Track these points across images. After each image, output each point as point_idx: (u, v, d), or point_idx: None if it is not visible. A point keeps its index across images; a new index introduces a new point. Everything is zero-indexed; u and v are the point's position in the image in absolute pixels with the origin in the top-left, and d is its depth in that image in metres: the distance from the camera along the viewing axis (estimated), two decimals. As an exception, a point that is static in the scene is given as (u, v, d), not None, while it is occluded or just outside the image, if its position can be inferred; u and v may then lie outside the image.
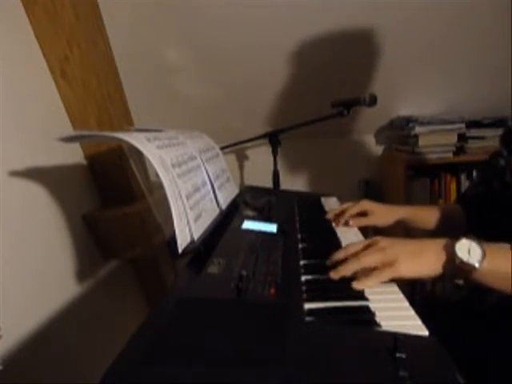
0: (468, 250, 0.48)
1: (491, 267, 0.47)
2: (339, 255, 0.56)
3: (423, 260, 0.51)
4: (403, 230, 0.86)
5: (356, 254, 0.54)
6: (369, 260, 0.52)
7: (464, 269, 0.48)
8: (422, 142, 1.47)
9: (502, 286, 0.48)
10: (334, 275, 0.53)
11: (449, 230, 0.84)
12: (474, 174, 1.55)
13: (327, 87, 1.40)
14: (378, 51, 1.29)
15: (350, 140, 1.76)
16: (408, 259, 0.51)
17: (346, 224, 0.81)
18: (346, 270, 0.53)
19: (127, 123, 1.09)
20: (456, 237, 0.50)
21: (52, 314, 0.82)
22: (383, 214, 0.83)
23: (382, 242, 0.54)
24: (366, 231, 0.82)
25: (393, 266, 0.50)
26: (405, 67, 1.37)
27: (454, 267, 0.49)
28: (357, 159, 1.78)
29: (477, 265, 0.47)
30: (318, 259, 0.61)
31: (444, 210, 0.84)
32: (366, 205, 0.83)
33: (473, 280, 0.49)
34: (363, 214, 0.83)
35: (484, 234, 0.76)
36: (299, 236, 0.73)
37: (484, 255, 0.47)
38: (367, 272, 0.52)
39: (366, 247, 0.55)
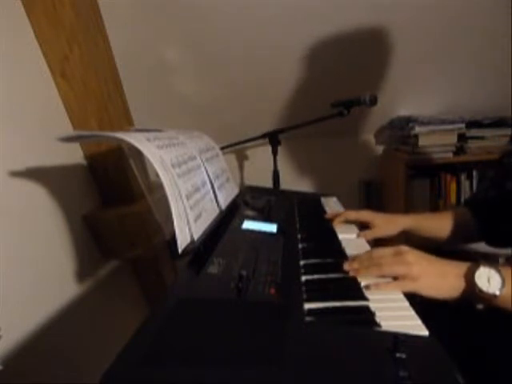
0: (487, 279, 0.48)
1: (511, 293, 0.48)
2: (363, 262, 0.56)
3: (444, 283, 0.51)
4: (404, 234, 0.85)
5: (379, 261, 0.54)
6: (392, 271, 0.53)
7: (484, 297, 0.48)
8: (422, 141, 1.47)
9: None
10: (353, 273, 0.55)
11: (458, 238, 0.82)
12: (475, 173, 1.55)
13: (327, 87, 1.40)
14: (377, 52, 1.29)
15: (350, 140, 1.76)
16: (430, 279, 0.51)
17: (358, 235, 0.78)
18: (366, 273, 0.54)
19: (127, 123, 1.09)
20: (477, 263, 0.50)
21: (52, 314, 0.82)
22: (386, 226, 0.80)
23: (409, 255, 0.53)
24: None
25: (415, 281, 0.51)
26: (405, 67, 1.37)
27: (474, 295, 0.49)
28: (357, 159, 1.78)
29: (497, 293, 0.47)
30: (318, 259, 0.61)
31: (452, 217, 0.81)
32: (365, 215, 0.81)
33: (493, 306, 0.49)
34: (364, 223, 0.81)
35: (496, 240, 0.76)
36: (299, 236, 0.73)
37: (503, 283, 0.48)
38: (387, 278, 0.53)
39: (392, 256, 0.55)
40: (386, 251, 0.56)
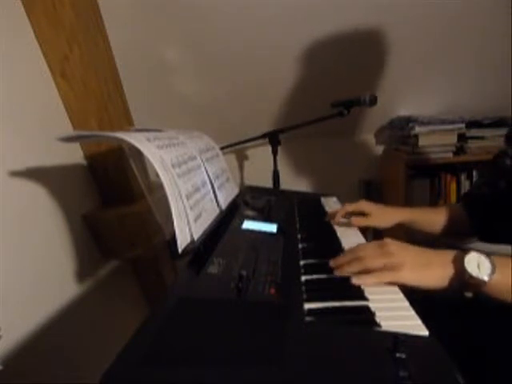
0: (477, 265, 0.48)
1: (501, 280, 0.47)
2: (345, 257, 0.57)
3: (430, 272, 0.51)
4: (403, 229, 0.86)
5: (361, 255, 0.54)
6: (372, 263, 0.53)
7: (474, 283, 0.47)
8: (422, 142, 1.47)
9: None
10: (337, 273, 0.55)
11: (452, 232, 0.83)
12: (475, 173, 1.55)
13: (327, 87, 1.40)
14: (377, 52, 1.29)
15: (350, 140, 1.76)
16: (414, 269, 0.51)
17: (344, 217, 0.81)
18: (348, 269, 0.54)
19: (127, 123, 1.09)
20: (464, 250, 0.50)
21: (52, 314, 0.82)
22: (382, 216, 0.82)
23: (392, 246, 0.53)
24: (365, 231, 0.82)
25: (396, 271, 0.50)
26: (405, 67, 1.37)
27: (464, 282, 0.48)
28: (357, 159, 1.78)
29: (486, 279, 0.47)
30: (317, 259, 0.61)
31: (447, 212, 0.83)
32: (363, 205, 0.83)
33: (482, 293, 0.48)
34: (362, 214, 0.83)
35: (489, 236, 0.77)
36: (299, 236, 0.73)
37: (494, 269, 0.47)
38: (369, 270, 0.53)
39: (375, 248, 0.55)
40: (368, 245, 0.56)
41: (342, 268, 0.55)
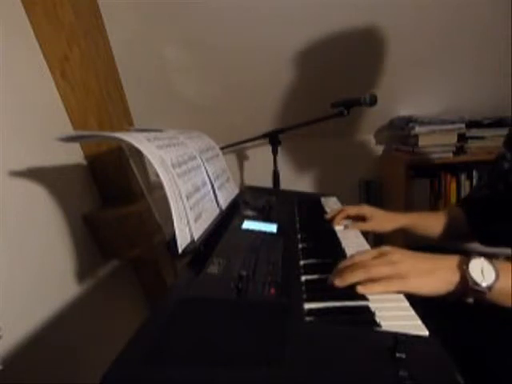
0: (481, 271, 0.47)
1: (504, 287, 0.46)
2: (345, 264, 0.53)
3: (435, 279, 0.49)
4: (403, 233, 0.86)
5: (364, 264, 0.51)
6: (378, 272, 0.50)
7: (477, 290, 0.46)
8: (422, 141, 1.47)
9: None
10: (339, 283, 0.51)
11: (452, 236, 0.83)
12: (474, 174, 1.55)
13: (327, 87, 1.40)
14: (377, 52, 1.29)
15: (350, 140, 1.76)
16: (419, 277, 0.49)
17: (346, 227, 0.80)
18: (352, 278, 0.50)
19: (127, 123, 1.09)
20: (468, 256, 0.49)
21: (52, 314, 0.82)
22: (383, 221, 0.82)
23: (393, 255, 0.51)
24: (366, 233, 0.82)
25: (403, 280, 0.49)
26: (405, 67, 1.37)
27: (467, 288, 0.47)
28: (357, 159, 1.78)
29: (490, 286, 0.46)
30: (317, 259, 0.61)
31: (447, 216, 0.83)
32: (365, 209, 0.83)
33: (485, 300, 0.47)
34: (363, 218, 0.83)
35: (488, 239, 0.77)
36: (299, 236, 0.73)
37: (497, 276, 0.46)
38: (374, 279, 0.50)
39: (375, 257, 0.52)
40: (368, 254, 0.54)
41: (345, 278, 0.51)
